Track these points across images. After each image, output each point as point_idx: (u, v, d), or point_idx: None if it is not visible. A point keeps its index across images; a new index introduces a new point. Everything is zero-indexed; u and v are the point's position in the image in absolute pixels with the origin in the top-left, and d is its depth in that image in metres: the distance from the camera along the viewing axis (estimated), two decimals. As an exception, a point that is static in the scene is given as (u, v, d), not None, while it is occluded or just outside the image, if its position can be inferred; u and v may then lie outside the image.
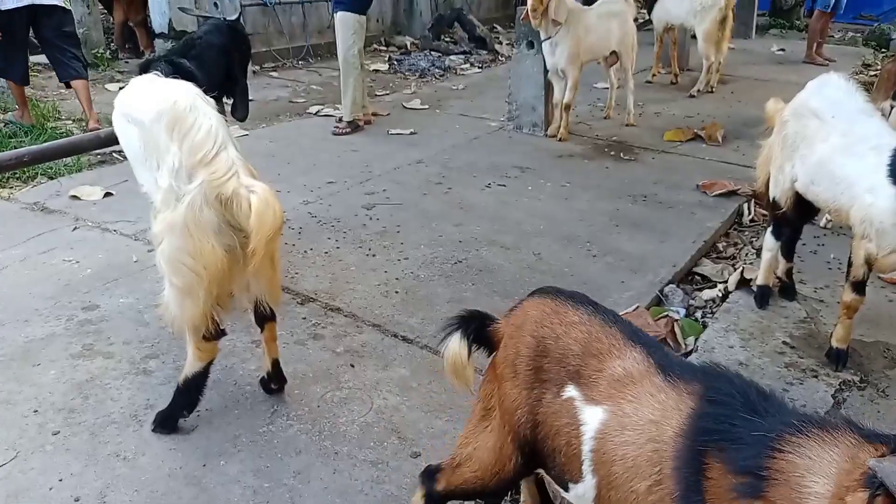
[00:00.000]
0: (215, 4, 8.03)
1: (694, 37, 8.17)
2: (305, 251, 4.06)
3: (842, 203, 2.93)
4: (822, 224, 4.44)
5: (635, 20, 6.80)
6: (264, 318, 2.65)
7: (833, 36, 11.79)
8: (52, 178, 5.11)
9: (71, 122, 6.33)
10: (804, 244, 4.04)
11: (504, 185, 5.17)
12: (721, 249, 4.42)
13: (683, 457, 1.38)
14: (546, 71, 6.22)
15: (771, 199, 3.44)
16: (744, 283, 3.77)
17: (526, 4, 5.79)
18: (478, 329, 1.90)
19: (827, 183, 3.00)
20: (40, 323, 3.28)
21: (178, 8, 7.85)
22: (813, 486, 1.20)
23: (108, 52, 8.82)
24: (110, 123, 2.97)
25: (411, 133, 6.44)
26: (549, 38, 5.92)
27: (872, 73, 9.00)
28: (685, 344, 3.30)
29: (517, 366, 1.76)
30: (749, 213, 4.82)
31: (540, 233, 4.37)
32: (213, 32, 3.61)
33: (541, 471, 1.87)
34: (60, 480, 2.39)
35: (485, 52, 10.52)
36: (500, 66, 9.67)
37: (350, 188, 5.06)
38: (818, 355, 3.18)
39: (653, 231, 4.42)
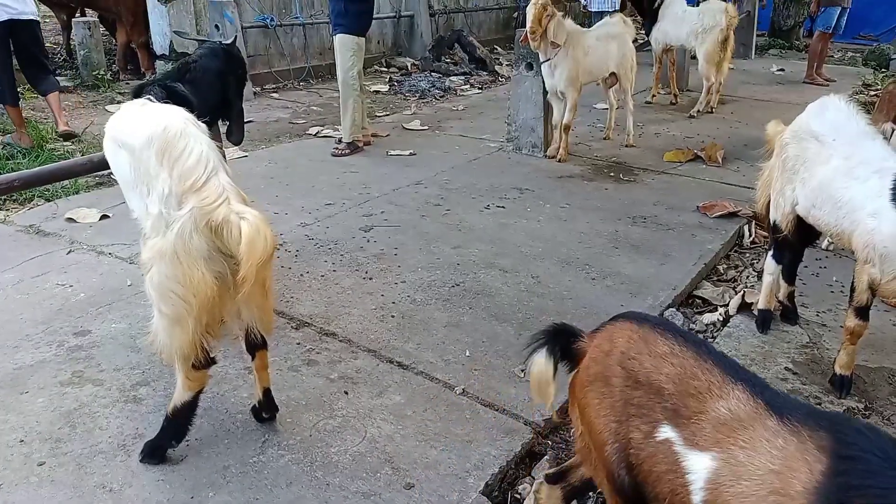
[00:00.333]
0: (216, 26, 8.09)
1: (694, 57, 8.18)
2: (301, 274, 4.01)
3: (844, 227, 2.89)
4: (823, 246, 4.39)
5: (634, 41, 6.81)
6: (255, 346, 2.59)
7: (833, 56, 11.82)
8: (48, 201, 5.09)
9: (70, 143, 6.33)
10: (806, 266, 3.99)
11: (503, 207, 5.13)
12: (722, 272, 4.37)
13: None
14: (545, 92, 6.22)
15: (771, 223, 3.40)
16: (745, 307, 3.71)
17: (525, 27, 5.81)
18: (564, 345, 1.89)
19: (828, 207, 2.96)
20: (30, 349, 3.23)
21: (174, 32, 7.89)
22: None
23: (110, 73, 8.86)
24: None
25: (411, 154, 6.43)
26: (548, 59, 5.93)
27: (873, 92, 9.00)
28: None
29: (604, 395, 1.69)
30: (750, 235, 4.78)
31: (539, 255, 4.33)
32: (208, 56, 3.60)
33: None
34: (45, 513, 2.33)
35: (485, 73, 10.56)
36: (500, 87, 9.70)
37: (348, 210, 5.03)
38: (821, 381, 3.11)
39: (653, 253, 4.37)
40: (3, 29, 5.64)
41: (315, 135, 7.11)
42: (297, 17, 9.54)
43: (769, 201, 3.42)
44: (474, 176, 5.83)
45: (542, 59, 5.99)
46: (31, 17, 5.81)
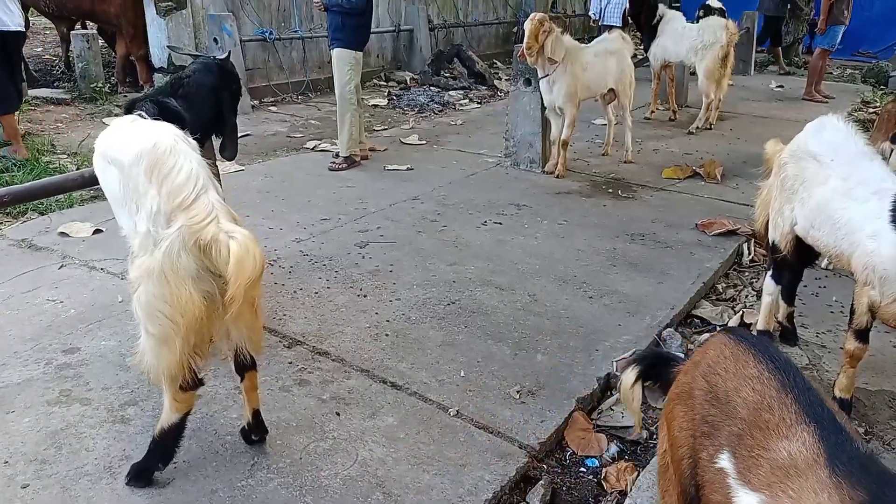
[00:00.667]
0: (215, 40, 8.09)
1: (693, 73, 8.18)
2: (295, 291, 3.97)
3: (843, 249, 2.85)
4: (823, 266, 4.35)
5: (633, 57, 6.80)
6: (244, 366, 2.54)
7: (831, 72, 11.84)
8: (42, 214, 5.05)
9: (66, 156, 6.30)
10: (805, 286, 3.95)
11: (500, 223, 5.10)
12: (720, 291, 4.33)
13: None
14: (543, 108, 6.21)
15: (770, 243, 3.36)
16: (744, 327, 3.67)
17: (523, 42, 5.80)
18: (660, 371, 1.89)
19: (827, 228, 2.92)
20: (18, 367, 3.18)
21: (168, 47, 7.88)
22: None
23: (108, 85, 8.85)
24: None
25: (408, 169, 6.40)
26: (547, 75, 5.91)
27: (872, 109, 9.00)
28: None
29: (687, 408, 1.63)
30: (749, 254, 4.74)
31: (536, 273, 4.28)
32: (201, 71, 3.57)
33: None
34: (26, 538, 2.28)
35: (484, 87, 10.57)
36: (499, 102, 9.69)
37: (344, 225, 5.00)
38: (821, 405, 3.06)
39: (651, 271, 4.33)
40: None
41: (313, 148, 7.08)
42: (296, 31, 9.54)
43: (768, 221, 3.39)
44: (472, 191, 5.79)
45: (540, 75, 5.97)
46: (19, 29, 5.86)
